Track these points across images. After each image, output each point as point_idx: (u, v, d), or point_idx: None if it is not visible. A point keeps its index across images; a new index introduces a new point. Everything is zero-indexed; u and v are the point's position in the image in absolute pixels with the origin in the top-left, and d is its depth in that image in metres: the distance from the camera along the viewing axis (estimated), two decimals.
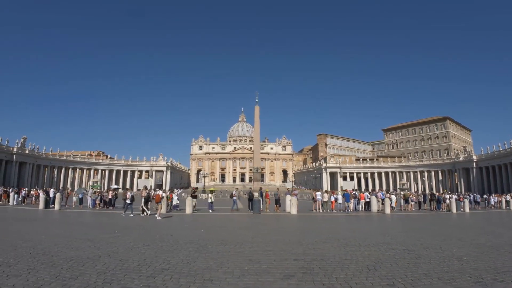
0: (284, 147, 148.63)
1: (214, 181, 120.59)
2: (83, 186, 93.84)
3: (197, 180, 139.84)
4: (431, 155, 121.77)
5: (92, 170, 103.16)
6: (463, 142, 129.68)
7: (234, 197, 30.41)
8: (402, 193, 45.34)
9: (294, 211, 26.77)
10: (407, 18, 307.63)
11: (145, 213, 23.13)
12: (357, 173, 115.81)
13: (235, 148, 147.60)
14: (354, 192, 34.70)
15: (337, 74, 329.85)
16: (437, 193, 43.46)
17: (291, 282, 6.92)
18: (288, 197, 29.18)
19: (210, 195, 26.88)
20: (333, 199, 31.30)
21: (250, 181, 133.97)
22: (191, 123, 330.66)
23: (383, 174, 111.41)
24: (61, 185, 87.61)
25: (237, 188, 45.29)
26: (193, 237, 13.49)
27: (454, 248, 11.06)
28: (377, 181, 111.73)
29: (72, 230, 15.77)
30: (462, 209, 33.49)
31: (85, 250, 9.98)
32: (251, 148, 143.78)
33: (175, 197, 25.31)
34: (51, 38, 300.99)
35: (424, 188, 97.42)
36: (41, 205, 31.02)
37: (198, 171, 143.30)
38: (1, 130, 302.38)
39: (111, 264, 8.22)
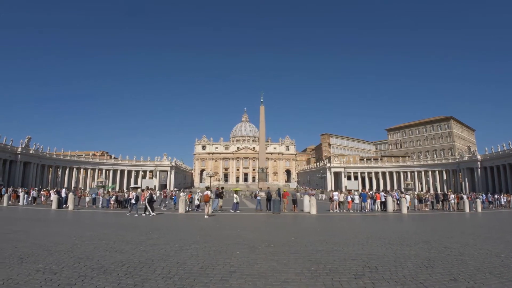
0: (287, 147, 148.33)
1: (219, 181, 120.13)
2: (87, 186, 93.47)
3: (201, 180, 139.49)
4: (434, 155, 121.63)
5: (97, 170, 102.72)
6: (467, 142, 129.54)
7: (258, 197, 30.09)
8: (416, 193, 45.13)
9: (314, 211, 26.48)
10: (409, 18, 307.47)
11: (147, 213, 23.36)
12: (361, 173, 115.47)
13: (238, 148, 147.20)
14: (370, 193, 34.62)
15: (340, 73, 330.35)
16: (449, 193, 43.32)
17: (365, 280, 6.99)
18: (306, 198, 29.00)
19: (235, 195, 26.61)
20: (349, 199, 31.27)
21: (254, 181, 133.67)
22: (194, 123, 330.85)
23: (387, 174, 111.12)
24: (65, 185, 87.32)
25: (261, 188, 44.37)
26: (234, 237, 13.26)
27: (488, 246, 11.53)
28: (381, 181, 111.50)
29: (102, 231, 15.26)
30: (474, 209, 33.66)
31: (132, 253, 9.51)
32: (254, 148, 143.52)
33: (196, 197, 25.14)
34: (52, 38, 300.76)
35: (429, 188, 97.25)
36: (54, 205, 30.73)
37: (202, 171, 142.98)
38: (6, 130, 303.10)
39: (172, 268, 7.83)
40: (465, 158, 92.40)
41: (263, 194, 38.25)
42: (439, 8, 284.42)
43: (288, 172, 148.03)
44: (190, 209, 27.89)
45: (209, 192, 22.60)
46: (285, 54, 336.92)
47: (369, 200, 32.03)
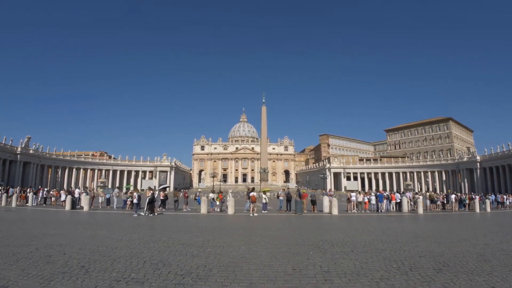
0: (286, 147, 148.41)
1: (220, 181, 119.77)
2: (87, 186, 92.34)
3: (199, 181, 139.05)
4: (433, 156, 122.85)
5: (96, 170, 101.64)
6: (465, 143, 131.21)
7: (281, 197, 30.10)
8: (427, 193, 45.71)
9: (336, 211, 26.51)
10: (409, 18, 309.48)
11: (147, 213, 23.77)
12: (361, 173, 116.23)
13: (237, 148, 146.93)
14: (386, 193, 35.06)
15: (339, 74, 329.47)
16: (459, 194, 43.97)
17: (447, 274, 7.48)
18: (326, 198, 29.13)
19: (264, 195, 26.66)
20: (366, 200, 31.57)
21: (252, 181, 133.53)
22: (192, 123, 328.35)
23: (386, 174, 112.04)
24: (65, 185, 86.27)
25: (284, 189, 44.25)
26: (290, 237, 13.38)
27: None
28: (380, 182, 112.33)
29: (146, 233, 14.43)
30: (483, 209, 34.64)
31: (206, 257, 9.10)
32: (253, 148, 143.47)
33: (228, 198, 25.24)
34: (52, 38, 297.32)
35: (428, 188, 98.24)
36: (68, 206, 30.33)
37: (200, 171, 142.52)
38: (5, 129, 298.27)
39: (265, 270, 7.69)
40: (465, 159, 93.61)
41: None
42: (439, 8, 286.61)
43: (286, 173, 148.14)
44: (220, 209, 28.09)
45: (254, 193, 22.67)
46: (285, 54, 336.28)
47: (385, 201, 32.47)
